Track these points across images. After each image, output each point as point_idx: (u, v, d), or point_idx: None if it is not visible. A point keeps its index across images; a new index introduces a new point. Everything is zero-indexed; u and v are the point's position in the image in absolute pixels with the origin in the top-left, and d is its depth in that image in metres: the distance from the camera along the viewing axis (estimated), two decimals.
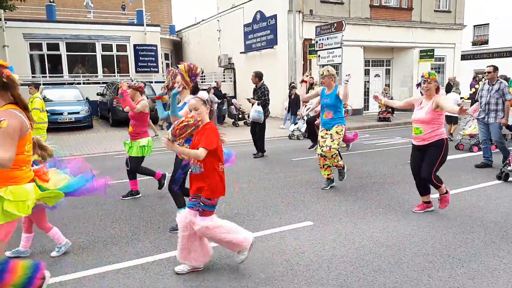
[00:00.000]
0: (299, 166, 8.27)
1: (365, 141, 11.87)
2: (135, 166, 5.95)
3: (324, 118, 6.27)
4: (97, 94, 17.52)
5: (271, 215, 5.16)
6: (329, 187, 6.44)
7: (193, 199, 3.50)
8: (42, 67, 20.41)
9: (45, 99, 11.93)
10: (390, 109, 16.75)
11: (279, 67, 17.96)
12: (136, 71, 21.98)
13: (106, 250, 4.18)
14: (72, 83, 19.21)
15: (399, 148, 10.42)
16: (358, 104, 19.60)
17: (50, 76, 19.92)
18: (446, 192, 5.06)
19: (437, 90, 4.84)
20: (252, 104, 9.24)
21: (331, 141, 6.09)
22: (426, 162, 4.84)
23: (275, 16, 18.30)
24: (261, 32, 19.36)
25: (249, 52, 20.48)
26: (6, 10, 15.09)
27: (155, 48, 22.26)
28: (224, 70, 23.05)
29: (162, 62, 24.63)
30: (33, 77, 19.61)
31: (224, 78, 22.49)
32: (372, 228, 4.63)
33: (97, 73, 21.33)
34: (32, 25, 19.88)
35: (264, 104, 9.11)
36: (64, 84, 18.92)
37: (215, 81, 18.16)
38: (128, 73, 22.10)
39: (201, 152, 3.28)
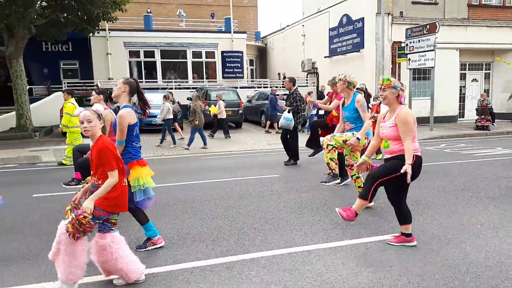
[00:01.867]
0: None
1: (461, 151, 10.99)
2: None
3: (346, 131, 5.80)
4: (187, 99, 18.53)
5: (354, 224, 4.99)
6: (331, 183, 6.21)
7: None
8: (139, 73, 22.17)
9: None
10: (489, 117, 15.33)
11: (365, 71, 17.41)
12: (223, 77, 22.86)
13: (194, 246, 4.37)
14: (165, 88, 20.56)
15: (502, 159, 9.46)
16: (452, 110, 18.26)
17: (145, 82, 21.55)
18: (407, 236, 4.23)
19: (398, 97, 4.00)
20: (284, 111, 8.84)
21: (334, 138, 5.68)
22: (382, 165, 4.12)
23: (362, 19, 17.81)
24: (347, 35, 18.96)
25: (333, 56, 20.18)
26: (109, 22, 16.67)
27: (241, 54, 22.96)
28: (307, 74, 22.99)
29: (247, 68, 25.32)
30: None
31: (307, 82, 22.43)
32: (468, 245, 4.24)
33: (187, 78, 22.58)
34: (131, 34, 21.72)
35: (296, 110, 8.68)
36: (157, 89, 20.36)
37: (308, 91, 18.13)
38: (216, 78, 23.07)
39: (112, 177, 3.24)
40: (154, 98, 15.14)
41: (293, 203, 6.00)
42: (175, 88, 20.68)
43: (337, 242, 4.39)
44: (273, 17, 63.90)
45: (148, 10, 25.80)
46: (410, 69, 16.18)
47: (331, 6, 20.24)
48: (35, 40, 16.18)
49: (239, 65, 22.86)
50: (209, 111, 14.32)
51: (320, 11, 21.68)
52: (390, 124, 4.00)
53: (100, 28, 17.29)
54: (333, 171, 5.84)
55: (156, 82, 21.78)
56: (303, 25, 23.42)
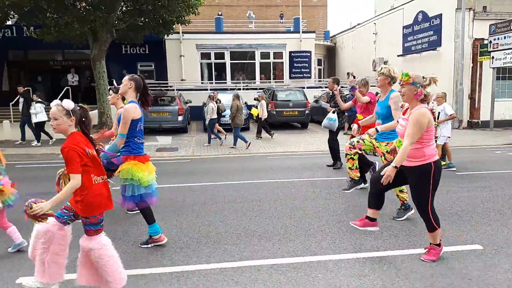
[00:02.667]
0: (465, 179, 7.37)
1: None
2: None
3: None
4: (254, 99, 18.75)
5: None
6: (351, 190, 6.05)
7: (64, 210, 3.19)
8: (209, 74, 22.87)
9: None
10: None
11: (442, 70, 16.38)
12: (290, 77, 22.82)
13: (260, 244, 4.39)
14: (233, 89, 21.01)
15: None
16: None
17: (216, 83, 22.18)
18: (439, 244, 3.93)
19: (423, 98, 3.69)
20: (328, 112, 8.44)
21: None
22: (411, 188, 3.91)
23: (440, 16, 16.78)
24: (423, 33, 17.98)
25: (407, 55, 19.25)
26: (183, 24, 17.37)
27: (309, 54, 22.76)
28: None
29: (315, 67, 25.04)
30: (201, 83, 22.13)
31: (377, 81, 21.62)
32: None
33: (255, 79, 22.87)
34: (203, 36, 22.47)
35: (340, 111, 8.26)
36: (226, 89, 20.85)
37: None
38: (283, 79, 23.09)
39: (74, 181, 2.94)
40: (223, 98, 15.55)
41: (363, 206, 5.81)
42: (243, 89, 21.03)
43: (410, 250, 4.17)
44: (343, 16, 62.60)
45: (219, 13, 26.52)
46: (493, 68, 14.94)
47: (406, 3, 19.33)
48: (115, 43, 17.32)
49: (306, 65, 22.68)
50: (251, 114, 14.29)
51: (393, 9, 20.81)
52: (405, 122, 3.77)
53: (174, 31, 18.11)
54: (354, 178, 5.90)
55: (226, 83, 22.32)
56: (375, 23, 22.64)
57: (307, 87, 20.80)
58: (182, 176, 8.26)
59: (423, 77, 3.70)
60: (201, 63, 22.52)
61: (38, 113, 12.91)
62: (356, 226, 4.17)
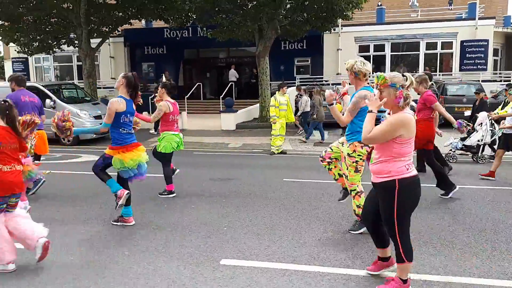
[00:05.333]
0: None
1: None
2: (160, 160, 6.27)
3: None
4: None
5: None
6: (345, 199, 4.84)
7: None
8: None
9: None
10: None
11: None
12: (460, 69, 20.39)
13: (464, 259, 3.83)
14: None
15: None
16: None
17: (373, 76, 21.14)
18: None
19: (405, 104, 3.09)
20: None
21: (346, 169, 4.46)
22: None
23: None
24: None
25: None
26: (346, 19, 16.99)
27: (485, 43, 19.94)
28: None
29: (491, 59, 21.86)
30: None
31: None
32: None
33: (417, 71, 21.10)
34: (362, 28, 21.67)
35: None
36: None
37: None
38: (450, 71, 20.79)
39: None
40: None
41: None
42: None
43: None
44: None
45: (379, 3, 25.23)
46: None
47: None
48: (276, 40, 17.93)
49: (482, 55, 19.90)
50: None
51: None
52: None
53: (335, 25, 17.90)
54: (344, 187, 4.78)
55: None
56: None
57: (482, 81, 18.27)
58: None
59: (403, 75, 3.14)
60: (358, 56, 21.78)
61: None
62: (372, 272, 3.56)
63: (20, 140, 3.79)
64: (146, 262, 3.86)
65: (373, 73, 4.91)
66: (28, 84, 14.33)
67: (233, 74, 23.29)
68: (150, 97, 14.80)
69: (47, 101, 11.72)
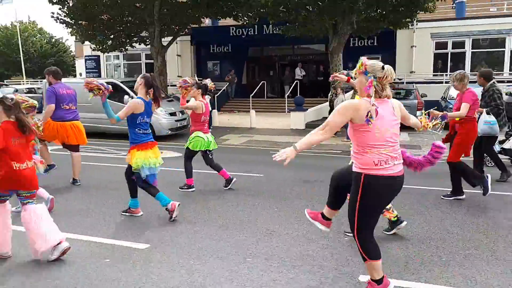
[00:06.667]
0: None
1: None
2: (185, 156, 6.41)
3: None
4: (506, 94, 15.81)
5: None
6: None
7: None
8: (443, 65, 20.58)
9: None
10: None
11: None
12: None
13: None
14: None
15: None
16: None
17: (450, 75, 19.75)
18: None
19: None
20: (480, 113, 6.55)
21: None
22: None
23: None
24: None
25: None
26: (421, 12, 15.91)
27: None
28: None
29: None
30: (434, 75, 20.10)
31: None
32: None
33: (502, 70, 19.42)
34: (440, 24, 20.27)
35: (497, 111, 6.70)
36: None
37: None
38: None
39: None
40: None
41: None
42: None
43: None
44: None
45: None
46: None
47: None
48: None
49: None
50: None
51: None
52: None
53: (414, 20, 16.87)
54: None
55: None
56: None
57: None
58: None
59: (383, 68, 2.96)
60: (434, 54, 20.46)
61: None
62: (307, 215, 3.73)
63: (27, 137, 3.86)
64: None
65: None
66: (107, 80, 14.79)
67: (299, 73, 22.79)
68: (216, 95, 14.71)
69: (125, 97, 11.87)
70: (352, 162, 3.17)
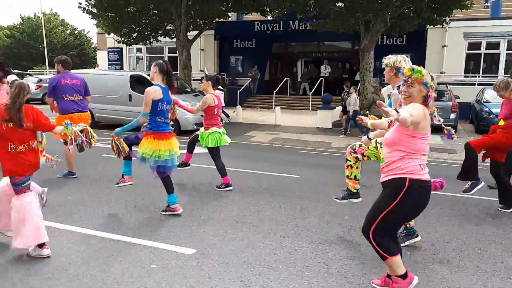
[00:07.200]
0: None
1: None
2: (212, 156, 6.17)
3: None
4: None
5: None
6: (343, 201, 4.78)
7: None
8: (476, 66, 19.87)
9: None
10: None
11: None
12: None
13: None
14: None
15: None
16: None
17: (483, 76, 19.09)
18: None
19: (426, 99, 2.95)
20: None
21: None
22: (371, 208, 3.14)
23: None
24: None
25: None
26: (456, 10, 15.30)
27: None
28: None
29: None
30: (465, 76, 19.43)
31: None
32: None
33: None
34: (473, 23, 19.52)
35: None
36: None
37: None
38: None
39: None
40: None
41: None
42: None
43: None
44: None
45: None
46: None
47: None
48: None
49: None
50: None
51: None
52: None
53: (450, 17, 16.27)
54: (350, 189, 4.72)
55: (496, 77, 18.92)
56: None
57: None
58: None
59: (432, 78, 2.97)
60: (467, 54, 19.75)
61: None
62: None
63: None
64: None
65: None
66: (134, 73, 14.63)
67: (324, 70, 22.34)
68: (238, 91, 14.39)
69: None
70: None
